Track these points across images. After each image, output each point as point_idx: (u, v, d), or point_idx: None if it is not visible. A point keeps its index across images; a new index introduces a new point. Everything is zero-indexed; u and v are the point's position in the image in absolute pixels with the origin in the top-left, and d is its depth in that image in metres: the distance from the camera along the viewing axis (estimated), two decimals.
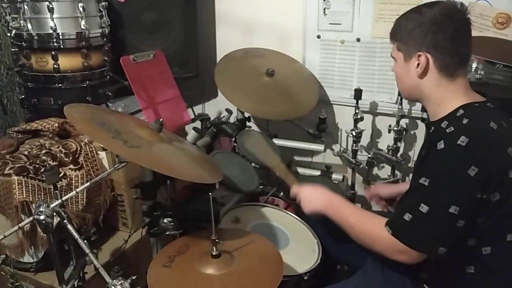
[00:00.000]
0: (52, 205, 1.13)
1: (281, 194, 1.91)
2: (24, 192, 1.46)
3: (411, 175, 2.00)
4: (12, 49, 1.98)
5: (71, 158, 1.63)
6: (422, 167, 1.11)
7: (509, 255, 1.12)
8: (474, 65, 1.54)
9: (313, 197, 1.32)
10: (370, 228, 1.17)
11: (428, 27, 1.12)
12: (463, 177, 1.02)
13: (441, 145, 1.04)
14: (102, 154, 1.72)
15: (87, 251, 1.13)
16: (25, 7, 1.82)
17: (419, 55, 1.14)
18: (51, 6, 1.81)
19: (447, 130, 1.06)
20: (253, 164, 1.80)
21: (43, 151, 1.62)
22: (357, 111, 2.02)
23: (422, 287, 1.20)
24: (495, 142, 1.05)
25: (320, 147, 2.04)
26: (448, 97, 1.15)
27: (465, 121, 1.06)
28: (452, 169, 1.04)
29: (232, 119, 2.07)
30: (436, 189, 1.05)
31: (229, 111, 2.01)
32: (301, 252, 1.47)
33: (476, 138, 1.03)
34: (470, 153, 1.02)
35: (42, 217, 1.11)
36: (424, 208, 1.05)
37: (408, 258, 1.09)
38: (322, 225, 1.53)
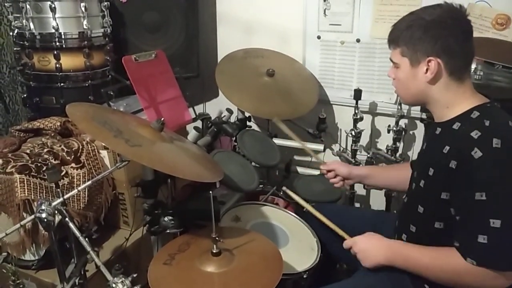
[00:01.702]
0: (53, 203, 1.14)
1: (281, 193, 1.91)
2: (26, 190, 1.47)
3: None
4: (15, 48, 1.98)
5: (73, 156, 1.64)
6: (467, 182, 1.03)
7: None
8: (473, 66, 1.54)
9: (372, 250, 1.24)
10: (450, 262, 1.08)
11: (438, 31, 1.09)
12: None
13: (477, 153, 1.00)
14: (104, 153, 1.73)
15: (88, 249, 1.14)
16: (27, 6, 1.83)
17: (429, 61, 1.10)
18: (53, 5, 1.81)
19: (474, 136, 1.02)
20: (253, 163, 1.81)
21: (45, 150, 1.63)
22: (356, 111, 2.03)
23: (422, 287, 1.18)
24: None
25: (320, 146, 2.05)
26: (457, 99, 1.13)
27: (487, 123, 1.04)
28: (503, 173, 1.00)
29: (232, 119, 2.08)
30: (499, 198, 1.00)
31: (229, 111, 2.02)
32: (301, 251, 1.48)
33: (506, 137, 1.01)
34: (509, 152, 1.00)
35: (43, 215, 1.12)
36: (496, 223, 0.99)
37: (506, 281, 1.02)
38: (321, 224, 1.54)
